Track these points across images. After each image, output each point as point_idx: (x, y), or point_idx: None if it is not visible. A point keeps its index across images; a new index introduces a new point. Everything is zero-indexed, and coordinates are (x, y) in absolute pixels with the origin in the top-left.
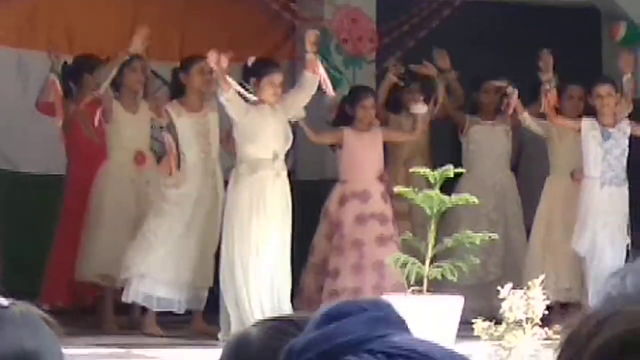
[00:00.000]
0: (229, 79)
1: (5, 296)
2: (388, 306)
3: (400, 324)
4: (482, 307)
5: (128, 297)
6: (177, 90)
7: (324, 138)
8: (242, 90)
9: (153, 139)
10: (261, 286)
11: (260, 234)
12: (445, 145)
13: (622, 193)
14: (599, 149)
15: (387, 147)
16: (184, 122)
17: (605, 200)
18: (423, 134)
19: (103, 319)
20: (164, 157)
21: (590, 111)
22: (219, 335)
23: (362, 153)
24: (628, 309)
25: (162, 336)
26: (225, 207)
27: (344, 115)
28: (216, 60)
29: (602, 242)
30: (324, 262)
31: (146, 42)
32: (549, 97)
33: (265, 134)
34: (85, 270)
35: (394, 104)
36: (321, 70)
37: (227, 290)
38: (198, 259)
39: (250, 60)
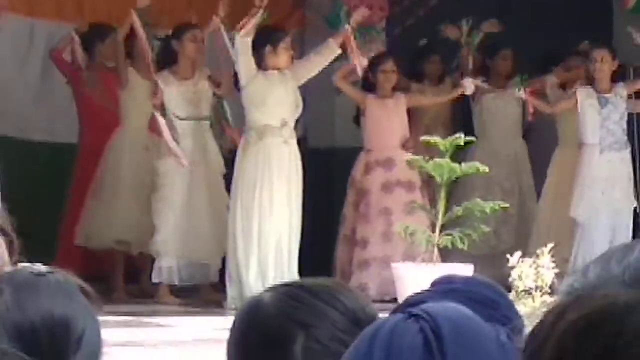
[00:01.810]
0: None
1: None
2: (474, 283)
3: (473, 299)
4: (494, 276)
5: (155, 278)
6: (168, 58)
7: (349, 90)
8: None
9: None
10: (265, 258)
11: (266, 203)
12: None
13: (623, 157)
14: (597, 116)
15: (408, 115)
16: (173, 91)
17: (605, 167)
18: (445, 103)
19: (113, 287)
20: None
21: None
22: (224, 303)
23: (386, 120)
24: (590, 294)
25: (179, 305)
26: (234, 177)
27: (367, 83)
28: None
29: (600, 209)
30: (353, 232)
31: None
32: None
33: (273, 100)
34: (100, 237)
35: (416, 73)
36: (354, 44)
37: (229, 259)
38: (207, 233)
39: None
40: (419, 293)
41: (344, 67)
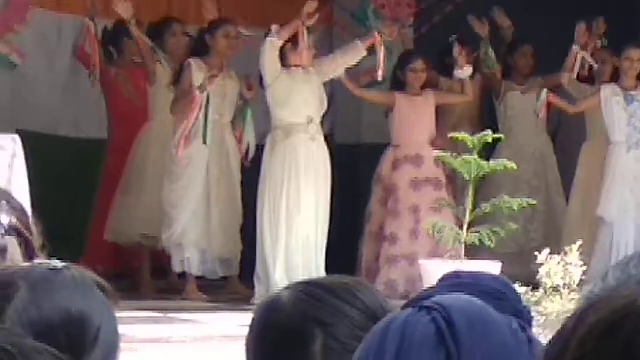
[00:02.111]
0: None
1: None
2: (481, 277)
3: (481, 291)
4: (522, 274)
5: (175, 268)
6: (201, 50)
7: (373, 97)
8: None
9: None
10: (293, 255)
11: (293, 201)
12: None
13: None
14: (623, 113)
15: (436, 113)
16: (202, 79)
17: (632, 165)
18: (473, 101)
19: (140, 282)
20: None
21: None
22: (252, 300)
23: (415, 117)
24: (609, 296)
25: (206, 301)
26: (261, 176)
27: (396, 80)
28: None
29: (629, 208)
30: (380, 228)
31: None
32: (550, 100)
33: (298, 98)
34: (128, 232)
35: (445, 69)
36: (382, 52)
37: (258, 257)
38: (222, 230)
39: (275, 29)
40: (429, 289)
41: (362, 77)
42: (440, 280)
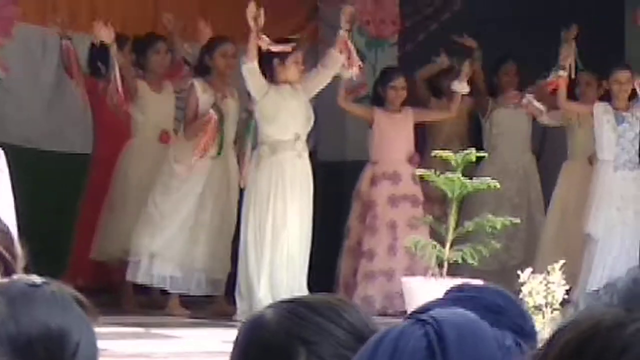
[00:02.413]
0: (265, 38)
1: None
2: (485, 290)
3: (480, 305)
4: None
5: (137, 278)
6: (202, 70)
7: (354, 109)
8: (280, 47)
9: (176, 120)
10: (277, 271)
11: (279, 217)
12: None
13: (635, 177)
14: (612, 133)
15: (424, 131)
16: (206, 100)
17: (619, 184)
18: (461, 119)
19: (123, 298)
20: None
21: (604, 97)
22: (234, 317)
23: (393, 134)
24: (583, 315)
25: (188, 317)
26: (245, 190)
27: (377, 96)
28: (254, 15)
29: (615, 227)
30: (358, 244)
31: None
32: (559, 82)
33: (285, 115)
34: (110, 249)
35: (435, 89)
36: (351, 47)
37: (240, 273)
38: (214, 247)
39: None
40: (430, 301)
41: (345, 85)
42: (445, 293)
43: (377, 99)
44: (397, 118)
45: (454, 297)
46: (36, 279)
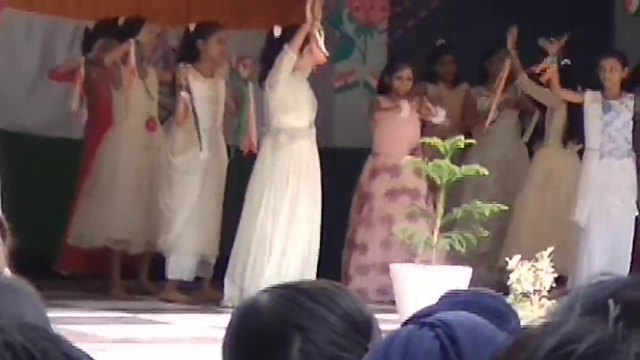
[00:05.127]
0: (318, 35)
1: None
2: (479, 295)
3: (481, 309)
4: (478, 277)
5: (170, 275)
6: (192, 55)
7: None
8: (321, 45)
9: (160, 106)
10: (290, 259)
11: (292, 206)
12: None
13: (624, 165)
14: (598, 122)
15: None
16: (198, 87)
17: (605, 173)
18: (457, 109)
19: (110, 283)
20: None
21: (596, 84)
22: (221, 303)
23: (395, 126)
24: (536, 330)
25: (184, 302)
26: (255, 176)
27: (383, 86)
28: (312, 5)
29: (598, 215)
30: (353, 236)
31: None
32: (549, 73)
33: (303, 102)
34: (93, 236)
35: (431, 76)
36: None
37: (236, 257)
38: (208, 229)
39: (277, 31)
40: (428, 306)
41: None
42: (440, 299)
43: (382, 89)
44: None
45: (452, 301)
46: None
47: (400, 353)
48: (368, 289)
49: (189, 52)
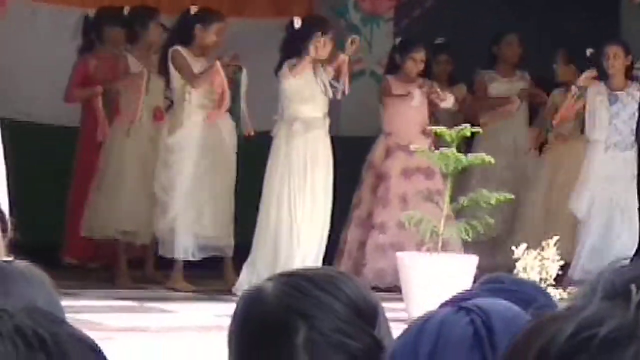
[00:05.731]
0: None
1: (22, 250)
2: (521, 283)
3: (511, 296)
4: (486, 264)
5: (176, 254)
6: (186, 38)
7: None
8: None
9: (165, 97)
10: (309, 245)
11: (309, 194)
12: None
13: (626, 157)
14: (605, 113)
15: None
16: (193, 65)
17: (609, 165)
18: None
19: (117, 272)
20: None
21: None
22: (233, 289)
23: (407, 106)
24: (546, 318)
25: (191, 291)
26: (271, 166)
27: (393, 65)
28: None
29: (598, 207)
30: (369, 216)
31: None
32: (570, 108)
33: (318, 92)
34: (104, 228)
35: (426, 73)
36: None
37: (260, 245)
38: (216, 215)
39: (297, 22)
40: (468, 290)
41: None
42: (481, 283)
43: (393, 69)
44: (412, 89)
45: (492, 288)
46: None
47: (432, 335)
48: (386, 269)
49: (184, 35)
